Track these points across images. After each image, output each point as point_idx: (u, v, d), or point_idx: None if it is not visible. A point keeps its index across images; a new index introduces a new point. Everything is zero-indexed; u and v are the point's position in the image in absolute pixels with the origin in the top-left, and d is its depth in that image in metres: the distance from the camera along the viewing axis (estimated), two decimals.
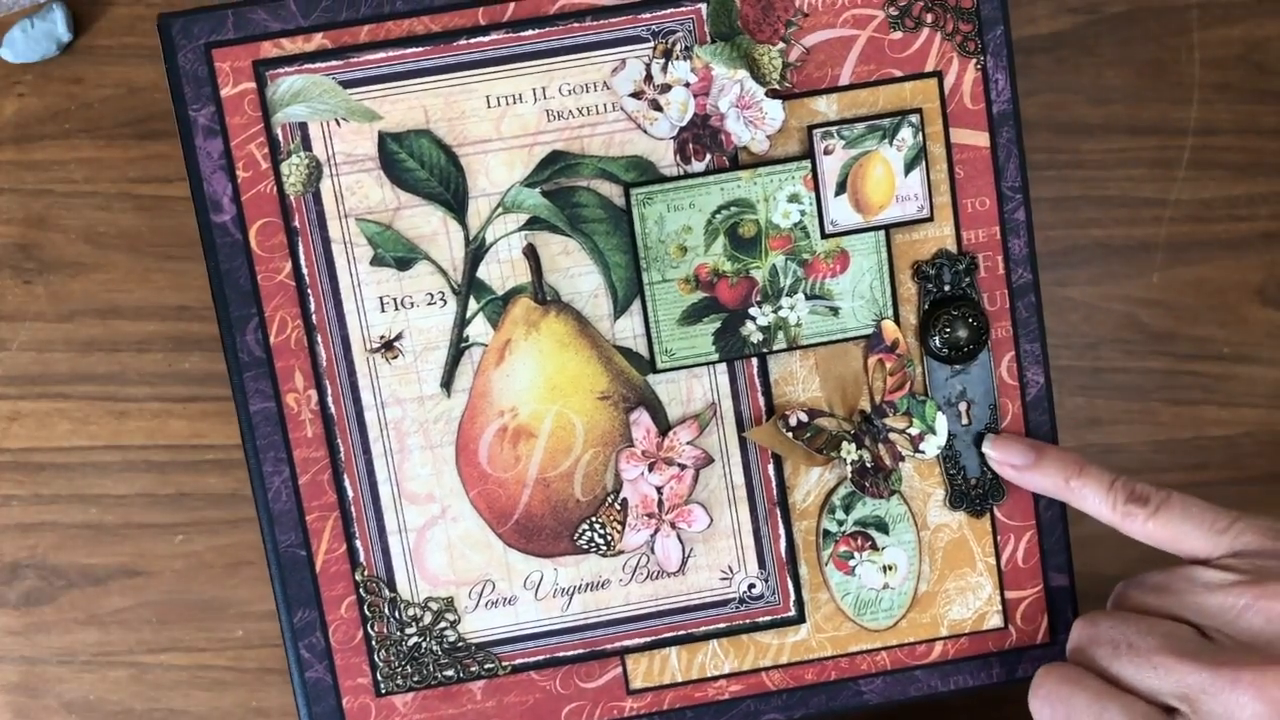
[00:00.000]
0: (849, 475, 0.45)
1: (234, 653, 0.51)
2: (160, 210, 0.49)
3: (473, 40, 0.42)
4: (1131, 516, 0.41)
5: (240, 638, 0.51)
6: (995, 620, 0.46)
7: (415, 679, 0.45)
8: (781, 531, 0.45)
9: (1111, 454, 0.52)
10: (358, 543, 0.44)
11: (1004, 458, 0.44)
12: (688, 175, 0.43)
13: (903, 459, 0.45)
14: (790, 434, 0.45)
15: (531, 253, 0.43)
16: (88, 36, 0.48)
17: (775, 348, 0.44)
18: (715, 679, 0.46)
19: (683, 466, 0.45)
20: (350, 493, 0.44)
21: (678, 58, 0.43)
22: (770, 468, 0.45)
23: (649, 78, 0.43)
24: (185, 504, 0.50)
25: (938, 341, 0.44)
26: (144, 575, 0.51)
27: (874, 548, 0.45)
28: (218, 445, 0.50)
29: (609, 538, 0.45)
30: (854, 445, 0.45)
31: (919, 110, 0.43)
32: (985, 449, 0.45)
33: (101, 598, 0.51)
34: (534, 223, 0.43)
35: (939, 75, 0.44)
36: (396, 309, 0.43)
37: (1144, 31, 0.50)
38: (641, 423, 0.44)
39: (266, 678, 0.51)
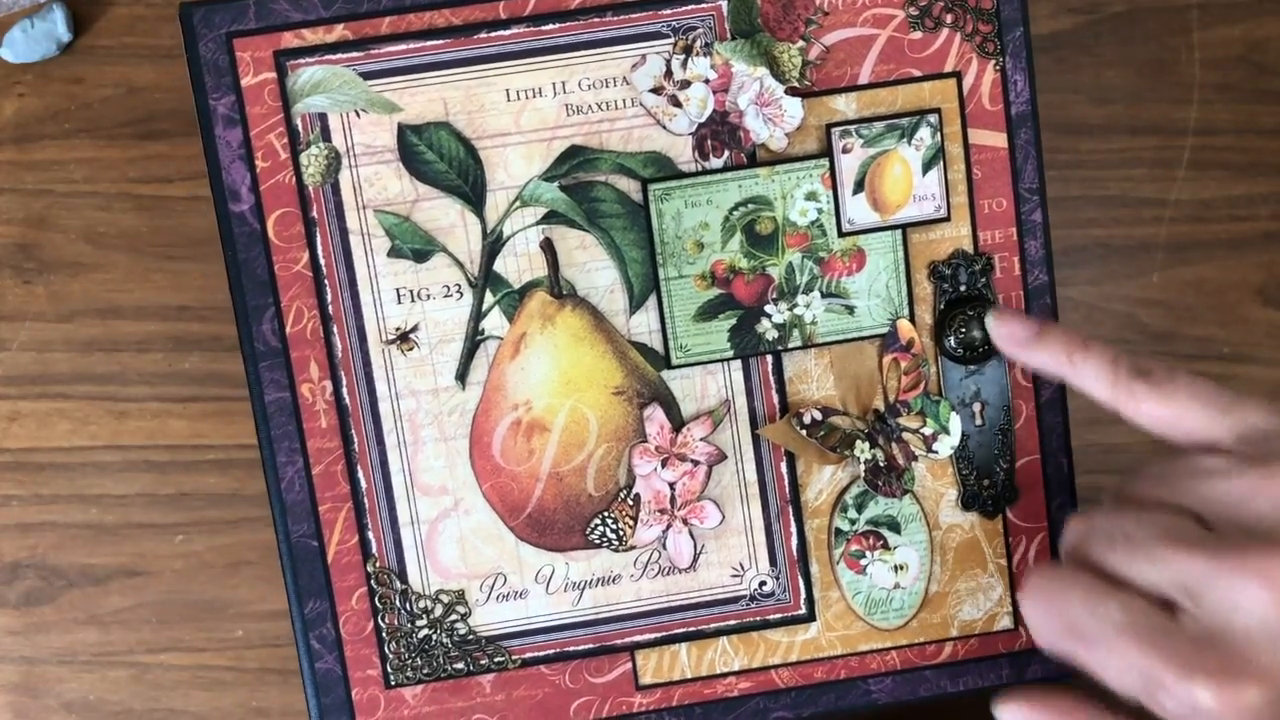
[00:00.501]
0: (862, 474, 0.45)
1: (234, 653, 0.51)
2: (160, 210, 0.49)
3: (493, 34, 0.42)
4: (1133, 394, 0.38)
5: (240, 638, 0.51)
6: (1005, 621, 0.46)
7: (425, 671, 0.45)
8: (793, 529, 0.45)
9: (1112, 454, 0.51)
10: (370, 534, 0.45)
11: (1007, 330, 0.42)
12: (706, 171, 0.43)
13: (916, 459, 0.45)
14: (804, 432, 0.45)
15: (548, 247, 0.44)
16: (88, 36, 0.48)
17: (790, 345, 0.44)
18: (724, 676, 0.46)
19: (696, 463, 0.45)
20: (363, 484, 0.44)
21: (698, 54, 0.43)
22: (783, 465, 0.45)
23: (669, 73, 0.43)
24: (185, 504, 0.50)
25: (953, 341, 0.44)
26: (144, 575, 0.51)
27: (885, 547, 0.46)
28: (218, 445, 0.50)
29: (621, 533, 0.45)
30: (867, 444, 0.45)
31: (938, 110, 0.44)
32: (988, 322, 0.43)
33: (101, 598, 0.51)
34: (551, 217, 0.43)
35: (958, 75, 0.44)
36: (413, 301, 0.44)
37: (1144, 31, 0.50)
38: (655, 418, 0.44)
39: (267, 678, 0.51)
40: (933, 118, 0.44)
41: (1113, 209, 0.51)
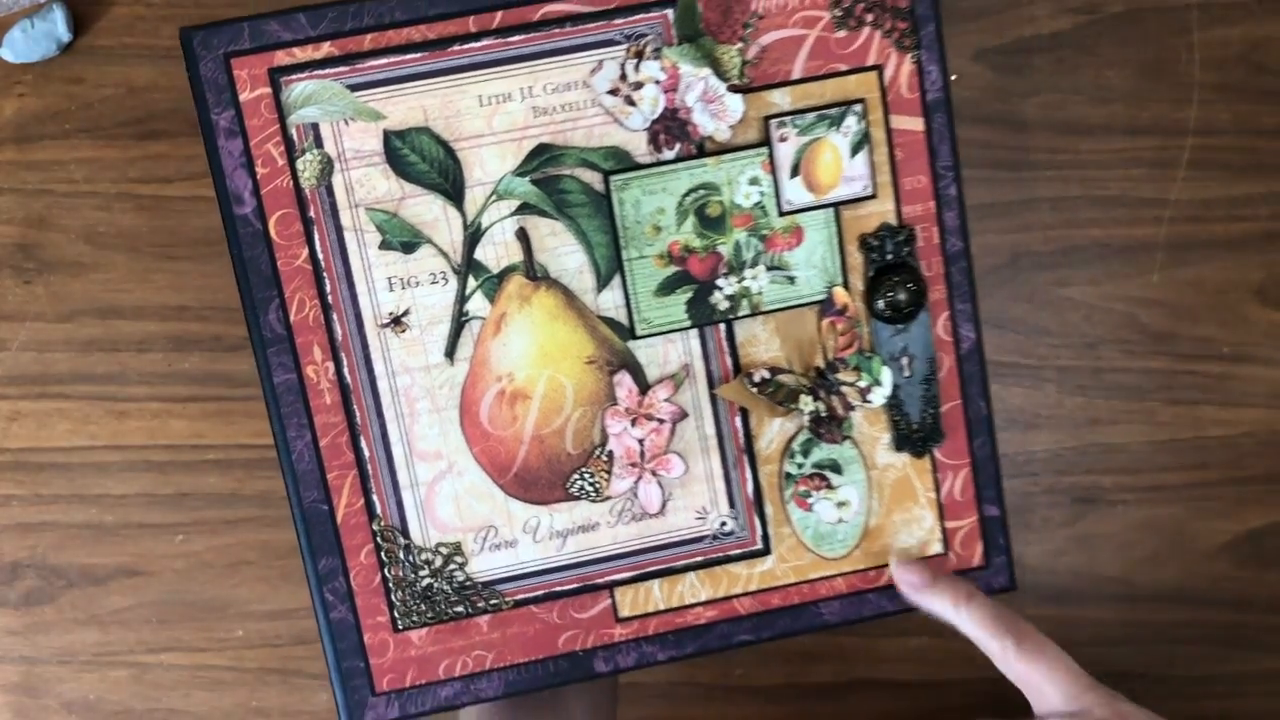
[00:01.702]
0: (806, 424, 0.51)
1: (234, 653, 0.51)
2: (160, 210, 0.49)
3: (465, 46, 0.47)
4: (1006, 650, 0.43)
5: (240, 638, 0.51)
6: (937, 547, 0.53)
7: (429, 615, 0.51)
8: (749, 475, 0.51)
9: (1112, 454, 0.53)
10: (374, 497, 0.50)
11: (906, 577, 0.49)
12: (660, 163, 0.49)
13: (853, 408, 0.51)
14: (754, 389, 0.50)
15: (523, 235, 0.49)
16: (88, 37, 0.49)
17: (740, 314, 0.50)
18: (693, 606, 0.52)
19: (661, 421, 0.51)
20: (366, 453, 0.50)
21: (648, 58, 0.48)
22: (738, 420, 0.51)
23: (623, 76, 0.48)
24: (185, 504, 0.50)
25: (881, 304, 0.50)
26: (144, 575, 0.50)
27: (829, 487, 0.52)
28: (218, 445, 0.50)
29: (598, 485, 0.51)
30: (810, 398, 0.51)
31: (862, 100, 0.49)
32: (891, 566, 0.50)
33: (101, 598, 0.50)
34: (524, 208, 0.49)
35: (879, 69, 0.49)
36: (403, 288, 0.49)
37: (1144, 31, 0.50)
38: (624, 383, 0.50)
39: (267, 678, 0.51)
40: (858, 107, 0.49)
41: (1113, 209, 0.51)
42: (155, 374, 0.50)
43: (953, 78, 0.54)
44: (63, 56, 0.49)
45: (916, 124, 0.50)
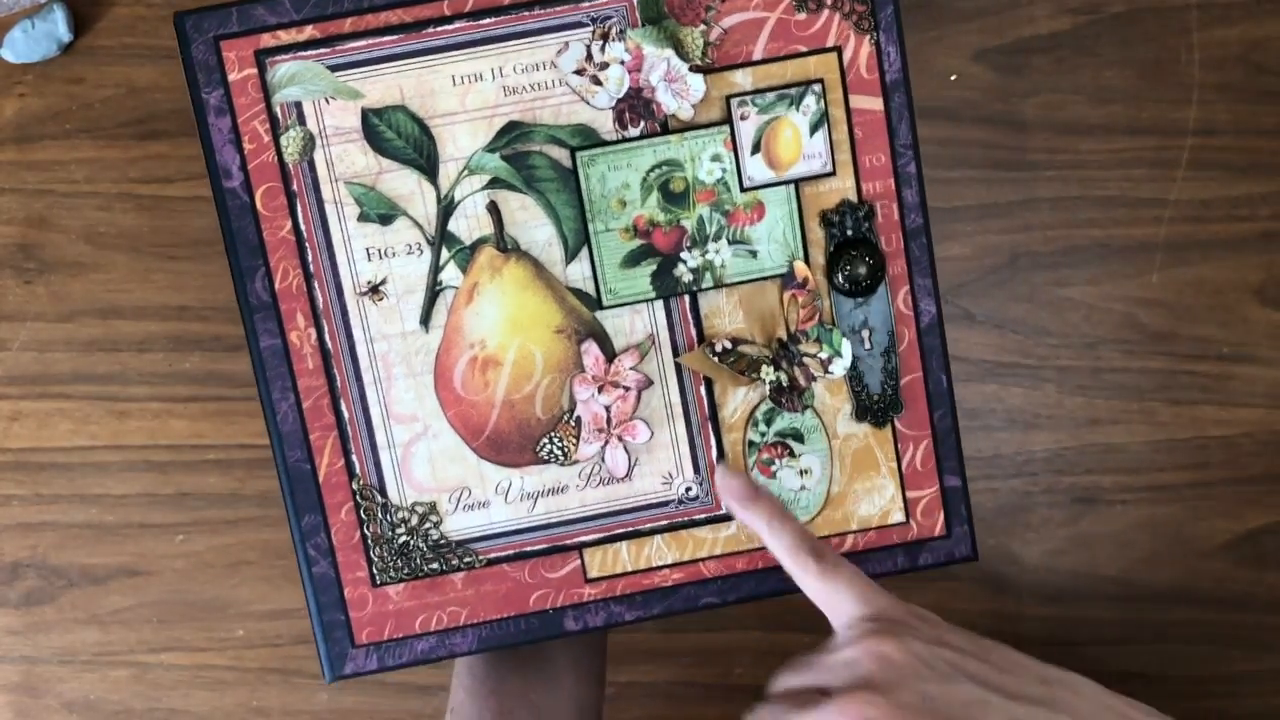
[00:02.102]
0: (769, 394, 0.53)
1: (234, 652, 0.52)
2: (160, 210, 0.50)
3: (439, 28, 0.50)
4: (805, 569, 0.45)
5: (241, 637, 0.52)
6: (898, 516, 0.54)
7: (405, 571, 0.53)
8: (713, 442, 0.53)
9: (1111, 454, 0.53)
10: (354, 457, 0.53)
11: (729, 485, 0.48)
12: (625, 140, 0.51)
13: (815, 379, 0.53)
14: (718, 359, 0.52)
15: (494, 209, 0.51)
16: (88, 37, 0.49)
17: (704, 286, 0.52)
18: (660, 569, 0.54)
19: (627, 389, 0.53)
20: (346, 415, 0.52)
21: (613, 40, 0.50)
22: (702, 389, 0.53)
23: (589, 57, 0.50)
24: (186, 504, 0.51)
25: (841, 278, 0.52)
26: (144, 575, 0.51)
27: (791, 455, 0.53)
28: (218, 445, 0.50)
29: (566, 450, 0.53)
30: (773, 368, 0.53)
31: (821, 80, 0.51)
32: (716, 474, 0.50)
33: (102, 597, 0.51)
34: (495, 183, 0.51)
35: (838, 50, 0.51)
36: (381, 258, 0.51)
37: (1144, 31, 0.51)
38: (591, 352, 0.52)
39: (267, 677, 0.52)
40: (817, 87, 0.51)
41: (1113, 209, 0.51)
42: (156, 374, 0.51)
43: (952, 78, 0.55)
44: (63, 57, 0.49)
45: (876, 104, 0.51)
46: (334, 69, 0.50)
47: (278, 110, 0.50)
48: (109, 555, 0.51)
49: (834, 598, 0.45)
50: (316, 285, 0.51)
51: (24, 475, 0.51)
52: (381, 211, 0.51)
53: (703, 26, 0.51)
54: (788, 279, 0.52)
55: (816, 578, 0.45)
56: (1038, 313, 0.57)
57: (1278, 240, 0.52)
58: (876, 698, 0.40)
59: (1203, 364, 0.53)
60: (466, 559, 0.54)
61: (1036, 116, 0.52)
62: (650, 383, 0.53)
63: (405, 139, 0.50)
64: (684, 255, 0.52)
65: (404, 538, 0.53)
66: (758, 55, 0.51)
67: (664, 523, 0.54)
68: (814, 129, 0.51)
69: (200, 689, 0.52)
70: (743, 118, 0.51)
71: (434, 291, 0.52)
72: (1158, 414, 0.54)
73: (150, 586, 0.52)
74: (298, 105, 0.50)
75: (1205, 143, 0.51)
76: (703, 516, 0.54)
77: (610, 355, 0.52)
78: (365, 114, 0.50)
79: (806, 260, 0.52)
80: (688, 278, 0.52)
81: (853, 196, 0.52)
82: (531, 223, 0.51)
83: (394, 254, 0.51)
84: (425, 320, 0.52)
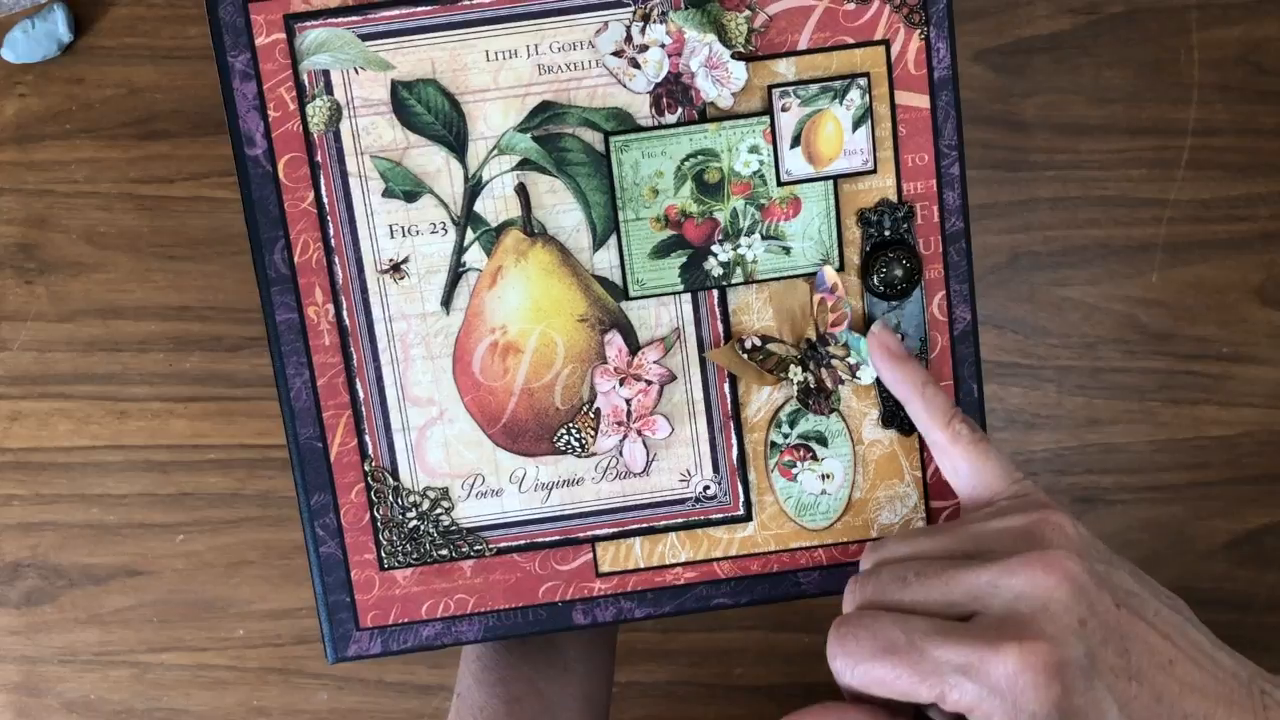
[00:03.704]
0: (795, 394, 0.51)
1: (235, 652, 0.51)
2: (161, 210, 0.49)
3: (475, 1, 0.48)
4: (958, 436, 0.45)
5: (241, 637, 0.51)
6: (919, 526, 0.53)
7: (414, 556, 0.52)
8: (734, 441, 0.52)
9: (1112, 454, 0.53)
10: (367, 438, 0.51)
11: (883, 341, 0.48)
12: (661, 126, 0.49)
13: (842, 382, 0.51)
14: (745, 356, 0.51)
15: (522, 191, 0.50)
16: (89, 37, 0.48)
17: (734, 281, 0.51)
18: (673, 566, 0.53)
19: (649, 382, 0.51)
20: (361, 394, 0.51)
21: (654, 21, 0.49)
22: (726, 385, 0.51)
23: (629, 39, 0.49)
24: (186, 504, 0.50)
25: (876, 280, 0.50)
26: (145, 575, 0.51)
27: (814, 458, 0.52)
28: (219, 445, 0.50)
29: (584, 441, 0.52)
30: (800, 368, 0.51)
31: (867, 74, 0.49)
32: (871, 330, 0.49)
33: (102, 597, 0.51)
34: (525, 164, 0.50)
35: (886, 43, 0.49)
36: (404, 236, 0.50)
37: (1144, 32, 0.51)
38: (614, 343, 0.51)
39: (268, 677, 0.52)
40: (862, 81, 0.49)
41: (1112, 209, 0.51)
42: (156, 374, 0.50)
43: None
44: (64, 57, 0.49)
45: (922, 101, 0.50)
46: (365, 38, 0.48)
47: (305, 78, 0.49)
48: (109, 555, 0.51)
49: (984, 468, 0.44)
50: (337, 260, 0.50)
51: (24, 475, 0.51)
52: (407, 188, 0.50)
53: (748, 12, 0.49)
54: (818, 282, 0.51)
55: (969, 445, 0.45)
56: (1038, 313, 0.56)
57: (1278, 240, 0.52)
58: (1075, 555, 0.39)
59: (1203, 364, 0.53)
60: (477, 547, 0.52)
61: (1036, 116, 0.51)
62: (673, 377, 0.51)
63: (435, 114, 0.49)
64: (715, 248, 0.50)
65: (414, 522, 0.52)
66: (803, 45, 0.49)
67: (679, 520, 0.53)
68: (857, 124, 0.49)
69: (200, 689, 0.52)
70: (784, 109, 0.49)
71: (457, 273, 0.50)
72: (1158, 414, 0.54)
73: (150, 586, 0.52)
74: (326, 74, 0.49)
75: (1205, 143, 0.51)
76: (719, 516, 0.53)
77: (634, 347, 0.51)
78: (395, 86, 0.49)
79: (841, 260, 0.51)
80: (718, 272, 0.50)
81: (892, 196, 0.50)
82: (560, 207, 0.50)
83: (417, 232, 0.50)
84: (446, 302, 0.50)
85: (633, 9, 0.48)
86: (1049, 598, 0.38)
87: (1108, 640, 0.39)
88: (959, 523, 0.43)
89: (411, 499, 0.52)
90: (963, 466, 0.46)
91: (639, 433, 0.52)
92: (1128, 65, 0.51)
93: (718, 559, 0.53)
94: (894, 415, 0.52)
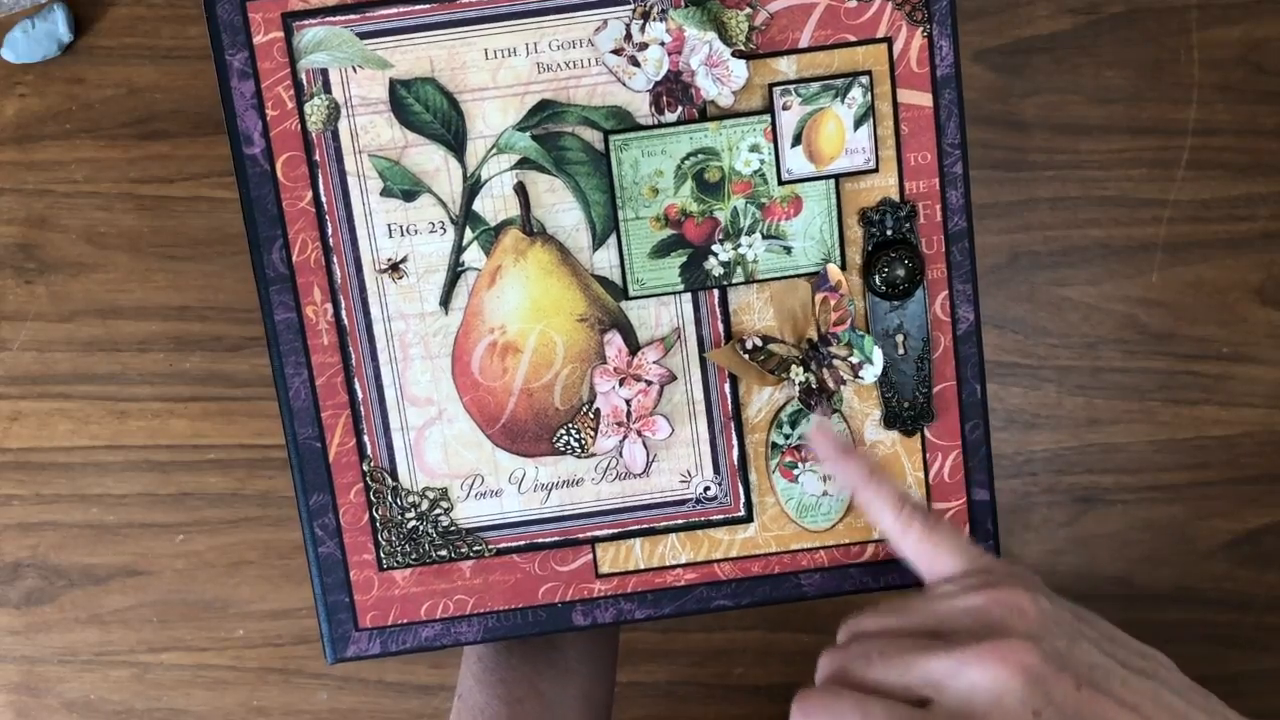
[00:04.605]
0: (796, 395, 0.51)
1: (235, 652, 0.51)
2: (161, 210, 0.49)
3: None
4: (908, 527, 0.45)
5: (241, 637, 0.51)
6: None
7: (413, 557, 0.52)
8: (735, 442, 0.52)
9: (1112, 454, 0.53)
10: (366, 438, 0.51)
11: (823, 438, 0.48)
12: (661, 125, 0.49)
13: (844, 382, 0.51)
14: (746, 356, 0.51)
15: (521, 190, 0.49)
16: (89, 37, 0.48)
17: (734, 281, 0.50)
18: (673, 567, 0.53)
19: (649, 383, 0.51)
20: (360, 394, 0.51)
21: (654, 20, 0.48)
22: (726, 386, 0.51)
23: (628, 37, 0.48)
24: (186, 504, 0.50)
25: (878, 280, 0.50)
26: (145, 575, 0.50)
27: (816, 459, 0.52)
28: (219, 445, 0.50)
29: (583, 442, 0.51)
30: (802, 369, 0.51)
31: (869, 72, 0.49)
32: (811, 425, 0.49)
33: (102, 597, 0.51)
34: (524, 163, 0.49)
35: (889, 41, 0.49)
36: (402, 235, 0.50)
37: (1144, 32, 0.50)
38: (614, 343, 0.51)
39: (267, 677, 0.52)
40: (864, 79, 0.49)
41: (1113, 209, 0.51)
42: (156, 374, 0.50)
43: None
44: (64, 57, 0.49)
45: (924, 99, 0.49)
46: (363, 36, 0.48)
47: (303, 77, 0.48)
48: (109, 555, 0.51)
49: (937, 552, 0.44)
50: (335, 259, 0.50)
51: (24, 475, 0.51)
52: (405, 187, 0.49)
53: (748, 10, 0.48)
54: (820, 281, 0.50)
55: (920, 534, 0.44)
56: (1038, 313, 0.56)
57: (1278, 240, 0.51)
58: (1028, 644, 0.39)
59: (1203, 364, 0.53)
60: (476, 547, 0.52)
61: (1036, 116, 0.51)
62: (673, 378, 0.51)
63: (433, 113, 0.49)
64: (715, 248, 0.50)
65: (413, 522, 0.52)
66: (804, 43, 0.49)
67: (680, 521, 0.52)
68: (859, 123, 0.49)
69: (200, 689, 0.52)
70: (785, 108, 0.49)
71: (455, 272, 0.50)
72: (1158, 414, 0.54)
73: (150, 586, 0.52)
74: (324, 72, 0.48)
75: (1205, 143, 0.51)
76: (720, 517, 0.52)
77: (634, 347, 0.51)
78: (393, 85, 0.48)
79: (843, 260, 0.50)
80: (718, 271, 0.50)
81: (894, 195, 0.50)
82: (559, 206, 0.50)
83: (416, 231, 0.50)
84: (445, 301, 0.50)
85: (632, 7, 0.48)
86: (1003, 690, 0.38)
87: None
88: (924, 599, 0.43)
89: (410, 499, 0.52)
90: (916, 553, 0.45)
91: (639, 433, 0.51)
92: (1128, 65, 0.51)
93: (718, 560, 0.53)
94: (896, 416, 0.52)
